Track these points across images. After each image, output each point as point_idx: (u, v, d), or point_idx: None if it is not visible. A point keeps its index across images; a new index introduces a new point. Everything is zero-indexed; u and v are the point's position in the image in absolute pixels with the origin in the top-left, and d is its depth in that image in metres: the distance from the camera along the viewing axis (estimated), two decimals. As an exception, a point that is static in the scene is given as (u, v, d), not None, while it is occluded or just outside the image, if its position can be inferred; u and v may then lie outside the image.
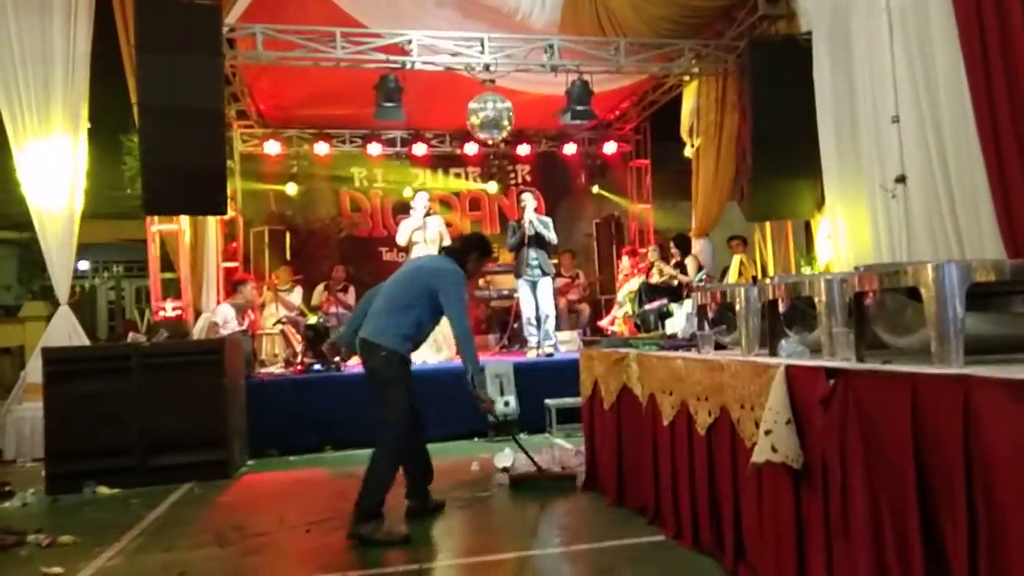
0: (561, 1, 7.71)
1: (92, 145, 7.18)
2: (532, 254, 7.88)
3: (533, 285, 7.91)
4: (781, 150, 7.29)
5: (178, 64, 6.31)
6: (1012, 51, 4.47)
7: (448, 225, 10.43)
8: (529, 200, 8.08)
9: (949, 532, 2.04)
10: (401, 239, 8.04)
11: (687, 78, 9.00)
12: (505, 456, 5.48)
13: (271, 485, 5.72)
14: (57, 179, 6.96)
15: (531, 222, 7.87)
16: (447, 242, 8.06)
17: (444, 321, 4.36)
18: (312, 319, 8.37)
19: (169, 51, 6.30)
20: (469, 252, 4.51)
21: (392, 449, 4.09)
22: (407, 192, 10.49)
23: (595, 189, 11.61)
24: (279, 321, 8.85)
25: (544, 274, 7.91)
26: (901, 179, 5.54)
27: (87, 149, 7.09)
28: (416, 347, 4.34)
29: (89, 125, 7.15)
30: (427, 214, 8.05)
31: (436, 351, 7.70)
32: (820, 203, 7.32)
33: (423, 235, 7.91)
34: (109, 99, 7.52)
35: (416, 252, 7.78)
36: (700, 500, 3.45)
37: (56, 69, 6.92)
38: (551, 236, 7.97)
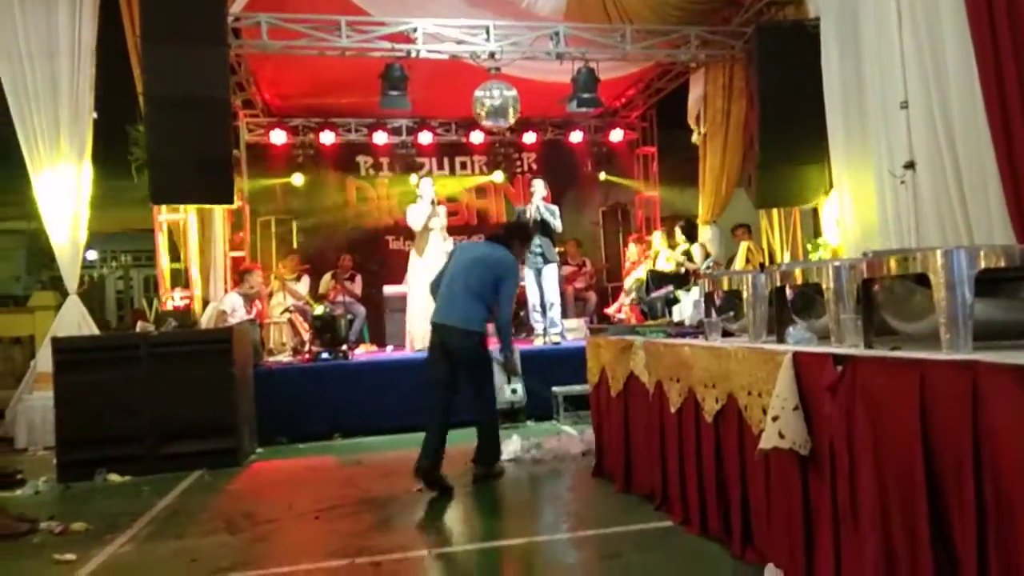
0: (567, -12, 7.68)
1: (99, 135, 7.21)
2: (536, 241, 7.84)
3: (538, 272, 7.90)
4: (789, 136, 7.26)
5: (183, 54, 6.32)
6: (1021, 34, 4.43)
7: (454, 214, 10.51)
8: (539, 187, 8.07)
9: (956, 518, 2.04)
10: (416, 224, 7.86)
11: (694, 65, 8.95)
12: (512, 443, 5.51)
13: (280, 472, 5.76)
14: (64, 170, 6.99)
15: (537, 208, 7.86)
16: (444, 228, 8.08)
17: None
18: (318, 309, 8.38)
19: (174, 41, 6.31)
20: (513, 238, 5.08)
21: (495, 410, 5.01)
22: (413, 179, 10.48)
23: (602, 176, 11.56)
24: (287, 310, 8.88)
25: (547, 261, 7.89)
26: (910, 165, 5.51)
27: (93, 139, 7.12)
28: None
29: (96, 115, 7.17)
30: (433, 203, 8.02)
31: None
32: (828, 189, 7.29)
33: (438, 222, 7.88)
34: (115, 89, 7.53)
35: (432, 239, 7.76)
36: (708, 486, 3.46)
37: (62, 61, 6.95)
38: (556, 224, 7.94)
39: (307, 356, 7.62)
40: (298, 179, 10.70)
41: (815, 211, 7.95)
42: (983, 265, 2.21)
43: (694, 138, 9.66)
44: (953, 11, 4.95)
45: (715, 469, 3.38)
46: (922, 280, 2.31)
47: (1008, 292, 2.38)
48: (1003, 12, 4.51)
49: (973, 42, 4.74)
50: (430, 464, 4.60)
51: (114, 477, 5.53)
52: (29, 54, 6.89)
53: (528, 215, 7.86)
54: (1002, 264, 2.24)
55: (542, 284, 7.89)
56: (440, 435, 4.65)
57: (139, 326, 6.77)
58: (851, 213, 6.64)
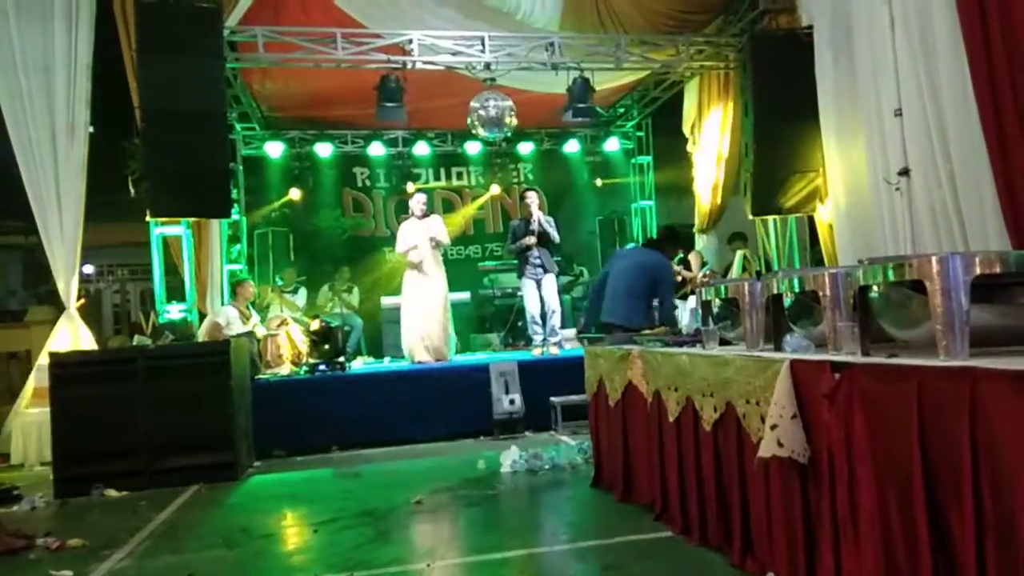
0: (562, -1, 7.71)
1: (95, 149, 7.20)
2: (535, 252, 7.88)
3: (537, 283, 7.91)
4: (783, 145, 7.30)
5: (180, 67, 6.33)
6: (1014, 41, 4.45)
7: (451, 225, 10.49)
8: (535, 198, 8.09)
9: (956, 524, 2.04)
10: (400, 248, 7.92)
11: (688, 74, 8.98)
12: (511, 454, 5.49)
13: (278, 486, 5.73)
14: (61, 184, 6.99)
15: (538, 220, 7.88)
16: (446, 240, 8.06)
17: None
18: (314, 324, 8.32)
19: (171, 55, 6.32)
20: (665, 242, 5.75)
21: None
22: (410, 187, 10.50)
23: (599, 181, 11.55)
24: (283, 322, 8.86)
25: (547, 271, 7.91)
26: (905, 172, 5.53)
27: (89, 153, 7.12)
28: None
29: (92, 129, 7.17)
30: (425, 215, 7.99)
31: (425, 351, 7.70)
32: (823, 197, 7.31)
33: (425, 237, 7.87)
34: (112, 103, 7.54)
35: (416, 255, 7.78)
36: (707, 496, 3.45)
37: (58, 75, 6.95)
38: (555, 234, 7.97)
39: (305, 368, 7.59)
40: (295, 191, 10.69)
41: (811, 219, 7.96)
42: (979, 271, 2.22)
43: (689, 147, 9.68)
44: (946, 18, 4.97)
45: (714, 478, 3.37)
46: (918, 287, 2.32)
47: (1004, 298, 2.39)
48: (995, 18, 4.54)
49: (966, 48, 4.76)
50: None
51: (111, 492, 5.51)
52: (25, 68, 6.89)
53: (533, 227, 7.86)
54: (997, 270, 2.25)
55: (542, 294, 7.89)
56: None
57: (136, 340, 6.76)
58: (846, 220, 6.65)
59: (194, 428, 5.69)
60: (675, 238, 5.99)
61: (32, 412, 6.96)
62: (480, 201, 11.32)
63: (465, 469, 5.55)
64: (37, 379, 6.98)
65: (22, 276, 15.65)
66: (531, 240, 7.86)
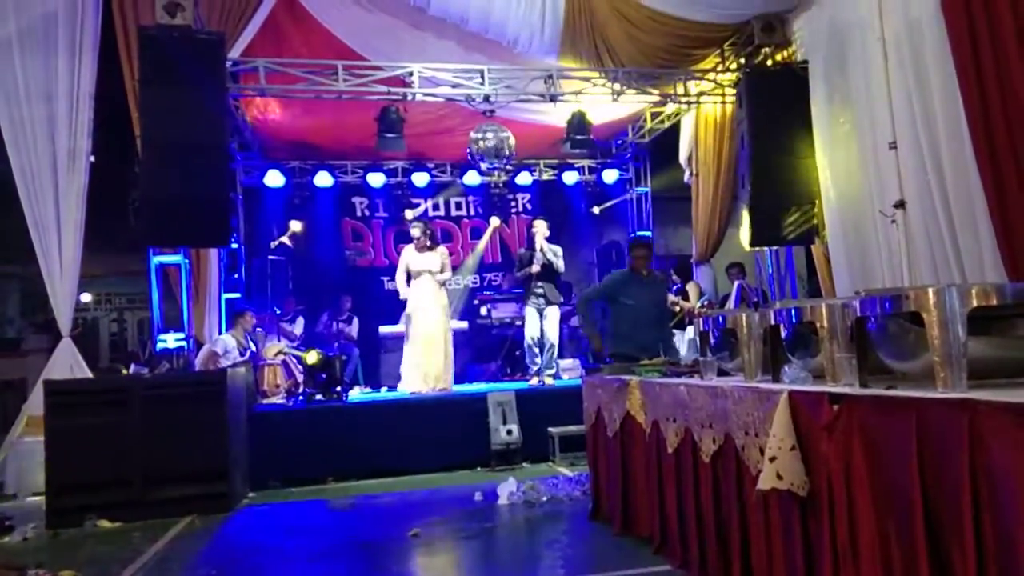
0: (559, 32, 7.80)
1: (96, 178, 7.24)
2: (538, 283, 7.90)
3: (540, 313, 7.91)
4: (780, 177, 7.35)
5: (181, 98, 6.37)
6: (1006, 74, 4.51)
7: (451, 254, 10.51)
8: (542, 227, 8.10)
9: (956, 556, 2.02)
10: (399, 275, 8.01)
11: (685, 106, 9.08)
12: (508, 486, 5.45)
13: (272, 517, 5.67)
14: (60, 213, 7.01)
15: (541, 249, 7.90)
16: (447, 272, 8.07)
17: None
18: (311, 357, 8.29)
19: (172, 85, 6.37)
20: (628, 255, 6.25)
21: None
22: (407, 214, 10.54)
23: (596, 209, 11.60)
24: (280, 352, 8.84)
25: (549, 303, 7.92)
26: (900, 204, 5.56)
27: (89, 182, 7.15)
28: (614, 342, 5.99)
29: (93, 159, 7.21)
30: (425, 247, 7.99)
31: (423, 382, 7.66)
32: (820, 229, 7.35)
33: (426, 266, 7.90)
34: (112, 132, 7.60)
35: (422, 284, 7.81)
36: (706, 528, 3.41)
37: (61, 104, 6.99)
38: (559, 265, 7.98)
39: (301, 398, 7.54)
40: (296, 223, 10.70)
41: (808, 250, 7.99)
42: (975, 303, 2.22)
43: (686, 178, 9.75)
44: (938, 52, 5.05)
45: (714, 511, 3.34)
46: (915, 318, 2.32)
47: (1001, 330, 2.39)
48: (987, 52, 4.61)
49: (959, 82, 4.82)
50: None
51: (104, 523, 5.44)
52: (28, 96, 6.94)
53: (537, 257, 7.87)
54: (994, 302, 2.25)
55: (543, 326, 7.89)
56: None
57: (132, 368, 6.74)
58: (843, 252, 6.68)
59: (189, 458, 5.64)
60: (629, 245, 6.51)
61: (26, 441, 6.91)
62: (485, 238, 11.32)
63: (462, 501, 5.51)
64: (32, 408, 6.94)
65: (19, 304, 15.63)
66: (533, 269, 7.88)
